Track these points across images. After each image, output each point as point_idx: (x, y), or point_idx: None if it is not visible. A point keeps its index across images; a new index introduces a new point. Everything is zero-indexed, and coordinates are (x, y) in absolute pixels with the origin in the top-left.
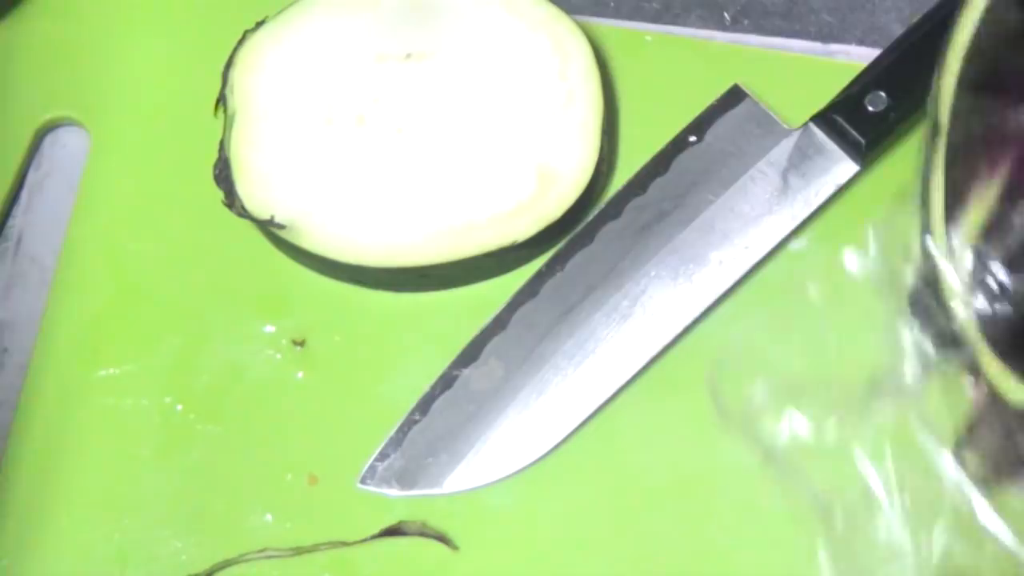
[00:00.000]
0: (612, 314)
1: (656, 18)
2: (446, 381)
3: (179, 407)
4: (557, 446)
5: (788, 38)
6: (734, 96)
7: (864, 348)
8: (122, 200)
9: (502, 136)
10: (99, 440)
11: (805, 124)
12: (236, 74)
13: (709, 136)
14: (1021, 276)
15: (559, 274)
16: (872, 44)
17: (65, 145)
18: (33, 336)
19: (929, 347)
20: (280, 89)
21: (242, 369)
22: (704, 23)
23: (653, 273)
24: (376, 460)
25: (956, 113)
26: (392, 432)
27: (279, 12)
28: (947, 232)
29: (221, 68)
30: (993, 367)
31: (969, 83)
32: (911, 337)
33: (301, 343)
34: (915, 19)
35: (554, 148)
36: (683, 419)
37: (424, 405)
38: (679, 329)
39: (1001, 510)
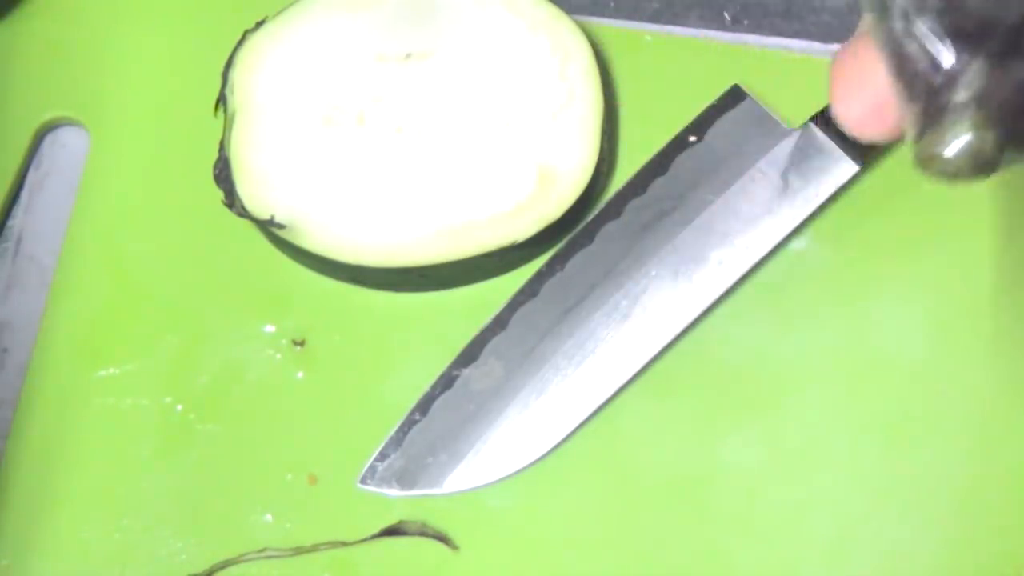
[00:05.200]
0: (612, 314)
1: (656, 18)
2: (446, 381)
3: (179, 407)
4: (557, 446)
5: (788, 38)
6: (734, 96)
7: None
8: (122, 200)
9: (502, 136)
10: (99, 440)
11: (805, 124)
12: (236, 74)
13: (709, 136)
14: None
15: (559, 274)
16: None
17: (65, 145)
18: (33, 336)
19: None
20: (280, 89)
21: (242, 369)
22: (704, 23)
23: (653, 273)
24: (376, 460)
25: None
26: (392, 432)
27: (279, 12)
28: None
29: (221, 68)
30: None
31: None
32: None
33: (301, 343)
34: None
35: (554, 148)
36: (683, 419)
37: (424, 405)
38: (679, 329)
39: None
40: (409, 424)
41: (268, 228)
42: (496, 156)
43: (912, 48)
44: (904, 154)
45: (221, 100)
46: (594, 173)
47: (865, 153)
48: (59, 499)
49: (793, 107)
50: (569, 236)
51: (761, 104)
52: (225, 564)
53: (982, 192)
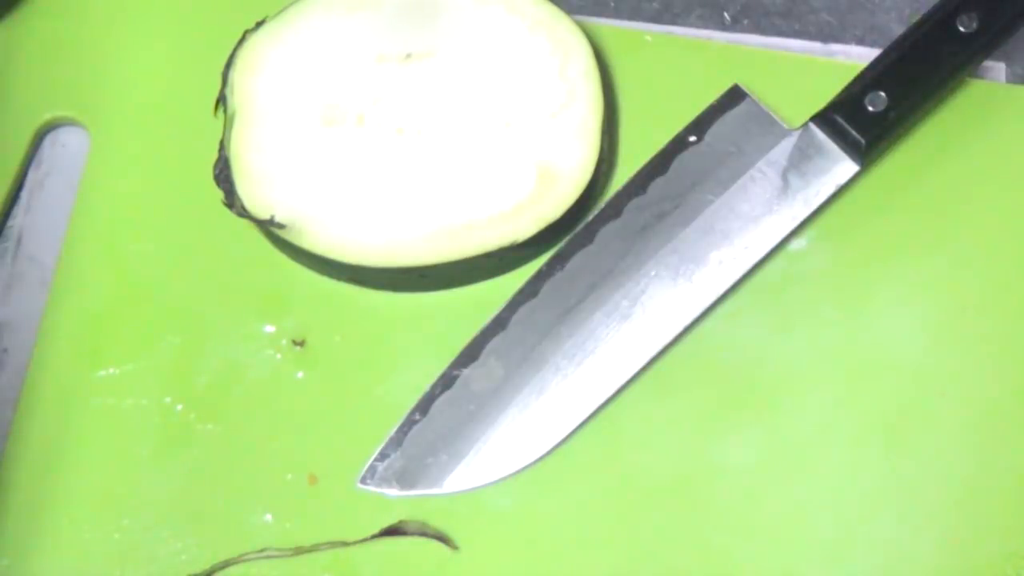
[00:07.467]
0: (612, 314)
1: (656, 18)
2: (446, 381)
3: (179, 407)
4: (557, 446)
5: (788, 38)
6: (734, 96)
7: None
8: (122, 200)
9: (502, 136)
10: (99, 440)
11: (805, 124)
12: (236, 74)
13: (709, 136)
14: None
15: (559, 274)
16: (872, 44)
17: (65, 145)
18: (33, 336)
19: None
20: (280, 89)
21: (242, 369)
22: (704, 23)
23: (653, 273)
24: (376, 460)
25: None
26: (392, 432)
27: (279, 12)
28: None
29: (221, 68)
30: None
31: None
32: None
33: (301, 343)
34: (915, 19)
35: (554, 148)
36: (683, 419)
37: (424, 405)
38: (679, 329)
39: None
40: (409, 424)
41: (268, 228)
42: (496, 156)
43: None
44: (904, 154)
45: (221, 100)
46: (594, 173)
47: (865, 153)
48: (59, 499)
49: (793, 107)
50: (569, 236)
51: (761, 104)
52: (225, 564)
53: (981, 192)
